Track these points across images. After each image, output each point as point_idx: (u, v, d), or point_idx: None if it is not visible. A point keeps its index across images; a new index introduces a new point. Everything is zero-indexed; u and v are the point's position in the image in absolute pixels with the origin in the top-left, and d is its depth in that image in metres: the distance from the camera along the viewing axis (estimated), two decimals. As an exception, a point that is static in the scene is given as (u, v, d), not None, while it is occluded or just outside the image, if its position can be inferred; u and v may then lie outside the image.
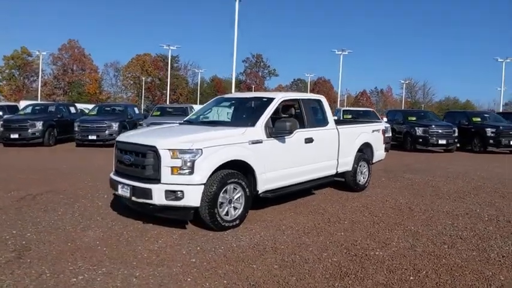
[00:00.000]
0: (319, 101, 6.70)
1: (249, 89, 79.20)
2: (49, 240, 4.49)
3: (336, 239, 4.66)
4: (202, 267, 3.79)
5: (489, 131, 14.93)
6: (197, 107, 20.75)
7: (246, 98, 6.63)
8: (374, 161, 8.00)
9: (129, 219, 5.31)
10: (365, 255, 4.16)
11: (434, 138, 14.93)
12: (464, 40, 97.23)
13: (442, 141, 14.89)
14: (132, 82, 73.98)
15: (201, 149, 4.59)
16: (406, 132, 15.73)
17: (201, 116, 6.47)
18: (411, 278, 3.62)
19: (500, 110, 48.15)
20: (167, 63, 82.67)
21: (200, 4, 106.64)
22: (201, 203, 4.60)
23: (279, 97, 5.88)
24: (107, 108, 17.77)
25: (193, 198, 4.54)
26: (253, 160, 5.11)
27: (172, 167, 4.55)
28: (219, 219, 4.75)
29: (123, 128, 15.81)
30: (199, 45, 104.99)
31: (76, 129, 15.27)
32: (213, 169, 4.67)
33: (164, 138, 4.76)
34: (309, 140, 6.00)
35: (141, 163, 4.75)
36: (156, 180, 4.61)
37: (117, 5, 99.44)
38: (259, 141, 5.24)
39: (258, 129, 5.33)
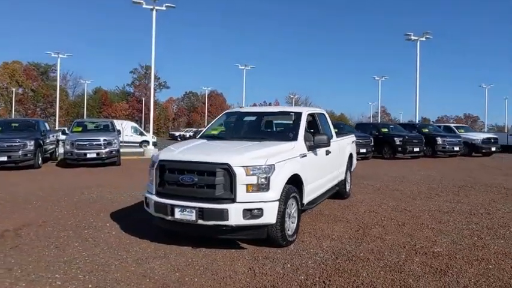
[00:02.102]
0: (323, 115, 7.09)
1: (139, 102, 75.62)
2: (117, 278, 3.84)
3: (391, 242, 5.05)
4: (320, 283, 3.75)
5: (397, 140, 17.46)
6: (117, 122, 19.21)
7: (271, 112, 6.63)
8: (352, 169, 8.72)
9: (171, 245, 4.85)
10: (432, 252, 4.64)
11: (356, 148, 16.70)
12: (344, 59, 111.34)
13: (363, 150, 16.79)
14: (-2, 93, 63.75)
15: (274, 165, 4.52)
16: (332, 142, 17.28)
17: (224, 131, 6.23)
18: (490, 266, 4.22)
19: (373, 121, 56.60)
20: (42, 72, 73.86)
21: (77, 8, 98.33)
22: (276, 220, 4.52)
23: (305, 111, 6.09)
24: (14, 124, 15.11)
25: (271, 215, 4.43)
26: (303, 173, 5.21)
27: (247, 185, 4.37)
28: (286, 234, 4.72)
29: (38, 147, 13.74)
30: (79, 54, 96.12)
31: (-22, 149, 12.67)
32: (284, 184, 4.63)
33: (236, 155, 4.53)
34: (328, 152, 6.32)
35: (209, 182, 4.41)
36: (230, 199, 4.36)
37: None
38: (305, 155, 5.36)
39: (301, 143, 5.45)
